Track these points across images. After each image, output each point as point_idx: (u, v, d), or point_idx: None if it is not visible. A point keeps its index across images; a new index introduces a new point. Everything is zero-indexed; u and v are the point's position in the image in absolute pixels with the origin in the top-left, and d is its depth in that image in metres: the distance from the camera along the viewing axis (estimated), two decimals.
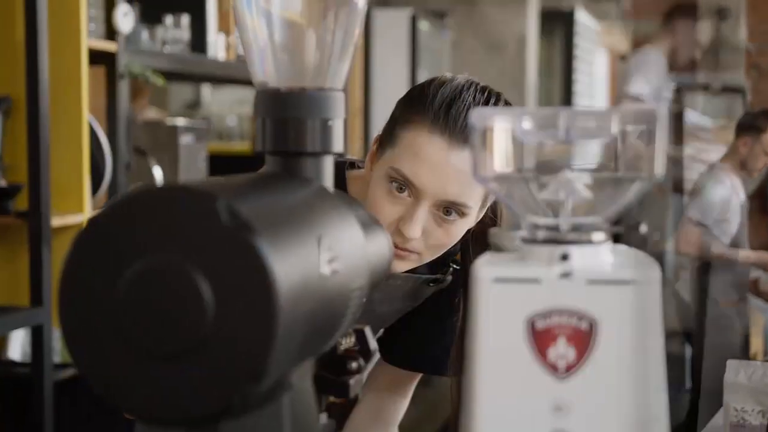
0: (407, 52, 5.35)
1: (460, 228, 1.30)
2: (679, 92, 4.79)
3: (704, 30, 4.70)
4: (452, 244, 1.32)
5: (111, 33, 2.79)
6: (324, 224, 0.70)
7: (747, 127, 4.53)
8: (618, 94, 4.75)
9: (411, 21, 5.37)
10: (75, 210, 2.60)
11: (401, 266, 1.32)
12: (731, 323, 4.64)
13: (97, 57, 2.75)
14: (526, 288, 0.67)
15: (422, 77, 5.00)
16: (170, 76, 3.44)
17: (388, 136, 1.30)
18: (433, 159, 1.25)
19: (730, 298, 4.66)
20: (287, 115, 0.77)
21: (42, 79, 2.40)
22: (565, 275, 0.66)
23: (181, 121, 3.41)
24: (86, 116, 2.60)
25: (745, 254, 4.75)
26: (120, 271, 0.61)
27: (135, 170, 3.03)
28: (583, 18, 7.80)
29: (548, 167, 0.70)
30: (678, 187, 4.97)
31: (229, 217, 0.60)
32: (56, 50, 2.53)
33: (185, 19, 3.24)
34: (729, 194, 4.54)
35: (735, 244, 4.59)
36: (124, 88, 2.83)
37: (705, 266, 4.64)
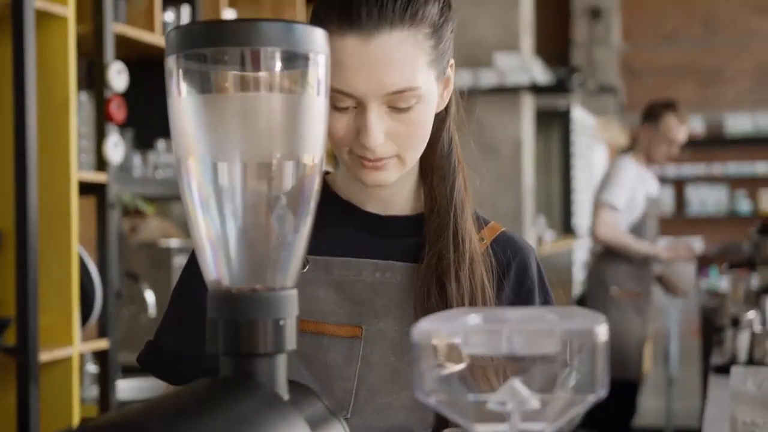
0: None
1: (422, 112, 1.22)
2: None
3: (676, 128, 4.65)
4: (426, 133, 1.24)
5: (102, 163, 2.81)
6: None
7: (647, 115, 4.63)
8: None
9: None
10: (64, 343, 2.57)
11: (386, 176, 1.24)
12: (626, 316, 4.52)
13: (87, 187, 2.77)
14: None
15: None
16: (163, 198, 3.46)
17: None
18: (354, 60, 1.17)
19: (626, 288, 4.56)
20: (239, 317, 0.76)
21: (31, 214, 2.41)
22: None
23: (174, 243, 3.42)
24: (76, 249, 2.60)
25: (661, 248, 4.69)
26: None
27: (127, 296, 3.02)
28: (579, 115, 7.87)
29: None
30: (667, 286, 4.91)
31: None
32: (46, 184, 2.54)
33: None
34: (635, 182, 4.57)
35: (636, 235, 4.59)
36: (114, 217, 2.84)
37: (603, 254, 4.58)
